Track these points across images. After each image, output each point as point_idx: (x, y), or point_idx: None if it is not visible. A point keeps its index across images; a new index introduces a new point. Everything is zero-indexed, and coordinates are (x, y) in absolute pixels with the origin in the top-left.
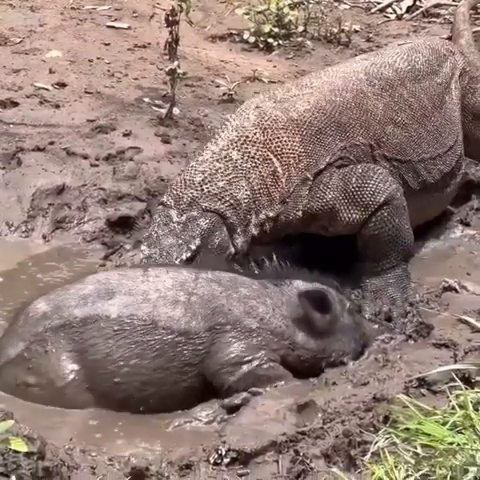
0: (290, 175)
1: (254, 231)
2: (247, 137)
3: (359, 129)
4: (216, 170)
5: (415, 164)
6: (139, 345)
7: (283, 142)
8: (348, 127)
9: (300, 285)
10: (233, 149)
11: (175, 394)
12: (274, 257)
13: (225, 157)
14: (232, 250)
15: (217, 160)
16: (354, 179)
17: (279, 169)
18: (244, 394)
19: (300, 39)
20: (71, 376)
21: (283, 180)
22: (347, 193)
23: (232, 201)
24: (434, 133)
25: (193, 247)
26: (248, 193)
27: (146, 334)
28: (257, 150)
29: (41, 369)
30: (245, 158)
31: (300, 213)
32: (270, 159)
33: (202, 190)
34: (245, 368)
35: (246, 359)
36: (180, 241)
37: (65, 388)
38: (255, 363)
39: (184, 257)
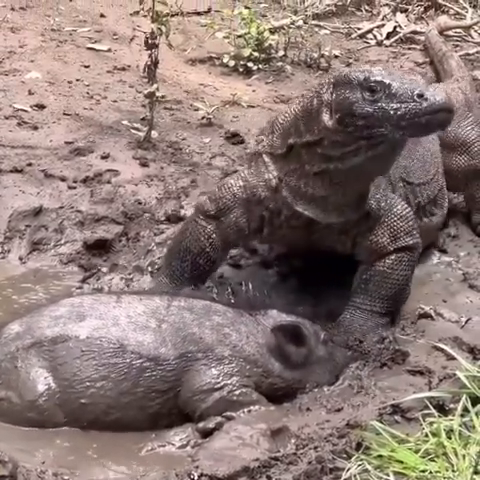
0: None
1: None
2: None
3: None
4: None
5: (414, 187)
6: (106, 368)
7: None
8: None
9: (275, 315)
10: None
11: (141, 420)
12: (250, 285)
13: None
14: None
15: None
16: (400, 206)
17: None
18: (218, 418)
19: (280, 64)
20: (40, 391)
21: None
22: (389, 215)
23: None
24: (420, 161)
25: None
26: None
27: (113, 357)
28: None
29: (11, 383)
30: None
31: None
32: None
33: None
34: (217, 394)
35: (217, 386)
36: None
37: (34, 402)
38: (227, 389)
39: None
